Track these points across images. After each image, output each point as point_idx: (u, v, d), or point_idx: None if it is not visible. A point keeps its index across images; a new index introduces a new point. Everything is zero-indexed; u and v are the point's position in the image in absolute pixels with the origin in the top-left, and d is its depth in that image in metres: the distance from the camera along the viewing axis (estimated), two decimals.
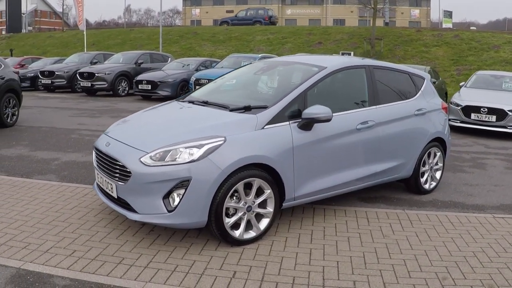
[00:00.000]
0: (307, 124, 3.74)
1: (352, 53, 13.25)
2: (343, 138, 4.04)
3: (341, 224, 4.08)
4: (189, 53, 26.96)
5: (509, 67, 20.36)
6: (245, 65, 5.38)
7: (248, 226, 3.57)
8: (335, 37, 26.74)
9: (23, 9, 42.70)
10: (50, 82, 15.69)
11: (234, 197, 3.44)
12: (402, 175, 4.80)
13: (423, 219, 4.30)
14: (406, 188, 5.15)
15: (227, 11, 54.23)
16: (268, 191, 3.56)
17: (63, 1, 47.97)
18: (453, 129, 9.59)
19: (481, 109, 8.95)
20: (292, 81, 4.22)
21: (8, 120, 8.07)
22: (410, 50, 23.89)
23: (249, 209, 3.50)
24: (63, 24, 44.22)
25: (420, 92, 5.00)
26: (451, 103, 9.60)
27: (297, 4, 54.63)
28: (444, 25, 35.70)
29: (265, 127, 3.60)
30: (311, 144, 3.80)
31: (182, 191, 3.26)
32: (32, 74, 16.21)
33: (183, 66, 15.66)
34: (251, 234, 3.57)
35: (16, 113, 8.31)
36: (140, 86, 14.21)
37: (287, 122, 3.71)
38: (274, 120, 3.66)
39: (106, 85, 14.77)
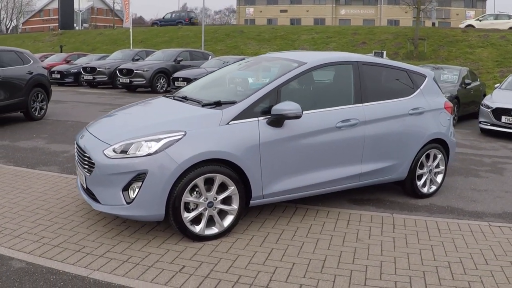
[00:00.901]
0: (276, 121, 3.65)
1: (384, 52, 12.76)
2: (320, 136, 3.89)
3: (317, 226, 3.95)
4: (233, 51, 27.30)
5: None
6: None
7: (211, 222, 3.54)
8: (380, 37, 26.29)
9: (80, 7, 45.19)
10: (91, 78, 16.46)
11: (195, 192, 3.43)
12: (395, 177, 4.56)
13: (409, 224, 4.06)
14: (403, 191, 4.89)
15: (281, 11, 54.46)
16: (231, 188, 3.51)
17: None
18: (484, 132, 9.02)
19: None
20: (271, 77, 4.13)
21: (36, 113, 8.55)
22: (454, 51, 22.90)
23: (210, 205, 3.47)
24: (113, 22, 46.18)
25: (418, 90, 4.71)
26: (482, 105, 8.99)
27: (351, 4, 53.79)
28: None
29: (230, 123, 3.55)
30: (282, 141, 3.69)
31: (139, 184, 3.30)
32: (76, 70, 17.05)
33: (223, 64, 15.83)
34: (214, 230, 3.54)
35: (45, 107, 8.79)
36: (176, 83, 14.53)
37: (256, 118, 3.64)
38: (241, 115, 3.60)
39: (144, 82, 15.22)
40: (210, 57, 18.06)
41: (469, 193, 5.09)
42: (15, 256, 3.17)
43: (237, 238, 3.62)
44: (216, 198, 3.49)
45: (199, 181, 3.38)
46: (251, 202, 3.70)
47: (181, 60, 16.61)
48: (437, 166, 4.85)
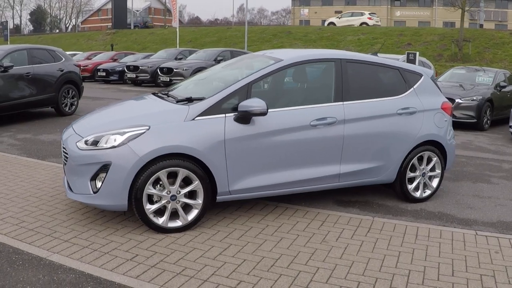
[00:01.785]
0: (243, 117, 3.65)
1: (417, 53, 12.20)
2: (291, 134, 3.84)
3: (288, 225, 3.90)
4: None
5: None
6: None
7: (176, 215, 3.62)
8: (425, 38, 25.72)
9: (137, 7, 47.26)
10: (135, 76, 17.18)
11: (159, 185, 3.53)
12: (382, 179, 4.39)
13: (387, 229, 3.90)
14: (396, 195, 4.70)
15: (336, 12, 53.90)
16: (195, 183, 3.57)
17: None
18: None
19: None
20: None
21: (67, 109, 9.09)
22: (500, 53, 21.67)
23: (173, 198, 3.55)
24: (164, 21, 47.79)
25: (411, 89, 4.49)
26: None
27: (406, 6, 52.29)
28: None
29: (196, 119, 3.61)
30: (249, 138, 3.70)
31: (104, 175, 3.45)
32: (120, 68, 17.85)
33: None
34: (178, 223, 3.61)
35: (75, 103, 9.32)
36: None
37: (223, 115, 3.67)
38: (208, 112, 3.64)
39: None
40: None
41: (469, 200, 4.79)
42: None
43: (201, 232, 3.68)
44: (180, 192, 3.56)
45: (162, 174, 3.47)
46: (217, 198, 3.74)
47: (222, 60, 16.88)
48: (433, 169, 4.61)
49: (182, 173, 3.52)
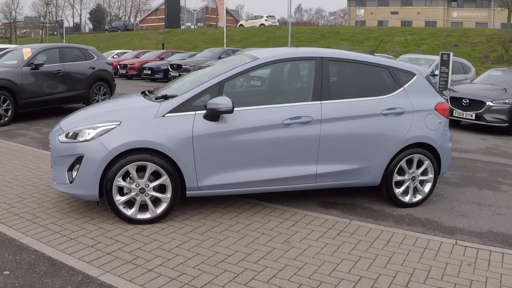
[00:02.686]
0: (211, 115, 3.71)
1: (451, 53, 11.61)
2: (262, 132, 3.84)
3: (258, 223, 3.91)
4: None
5: None
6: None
7: (146, 207, 3.76)
8: (473, 39, 24.76)
9: (194, 6, 48.42)
10: (177, 75, 17.71)
11: (129, 178, 3.68)
12: (365, 181, 4.26)
13: (359, 232, 3.78)
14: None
15: (392, 12, 52.43)
16: (164, 177, 3.69)
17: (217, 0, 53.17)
18: None
19: None
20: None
21: None
22: None
23: (142, 191, 3.69)
24: (217, 21, 48.77)
25: (401, 89, 4.31)
26: None
27: (463, 6, 49.77)
28: None
29: (166, 115, 3.72)
30: (218, 136, 3.75)
31: (78, 166, 3.66)
32: (165, 67, 18.48)
33: None
34: (146, 215, 3.75)
35: (107, 99, 9.82)
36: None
37: (193, 112, 3.75)
38: (178, 109, 3.74)
39: None
40: None
41: (465, 207, 4.52)
42: None
43: (169, 225, 3.79)
44: (148, 185, 3.69)
45: (131, 168, 3.62)
46: (187, 193, 3.83)
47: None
48: (424, 173, 4.40)
49: (151, 167, 3.65)
